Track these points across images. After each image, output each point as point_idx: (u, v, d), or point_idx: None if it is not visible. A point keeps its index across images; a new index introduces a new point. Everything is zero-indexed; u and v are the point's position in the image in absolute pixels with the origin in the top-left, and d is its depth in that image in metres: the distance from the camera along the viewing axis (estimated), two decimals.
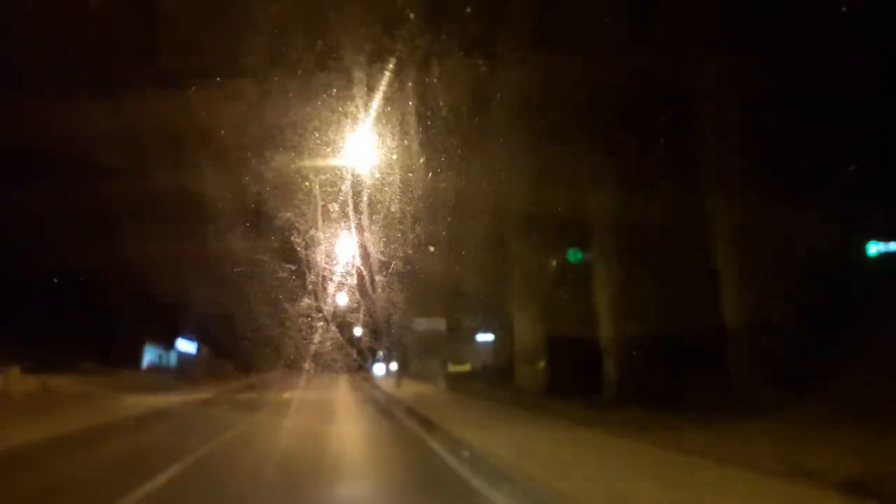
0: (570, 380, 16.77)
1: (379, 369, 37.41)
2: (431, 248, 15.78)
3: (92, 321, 22.59)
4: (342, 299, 18.28)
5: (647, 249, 13.75)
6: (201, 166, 13.38)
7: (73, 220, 18.07)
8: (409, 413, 14.30)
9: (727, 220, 11.98)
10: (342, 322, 20.90)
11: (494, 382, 20.76)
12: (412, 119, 10.47)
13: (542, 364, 18.11)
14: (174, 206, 16.64)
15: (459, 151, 13.82)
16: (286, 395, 20.13)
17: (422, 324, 21.51)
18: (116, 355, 24.34)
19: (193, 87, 10.86)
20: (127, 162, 15.03)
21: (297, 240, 12.16)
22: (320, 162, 10.89)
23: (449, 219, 15.40)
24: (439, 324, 21.84)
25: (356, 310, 19.79)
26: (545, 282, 18.33)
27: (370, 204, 11.77)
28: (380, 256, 14.00)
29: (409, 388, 21.88)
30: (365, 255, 14.18)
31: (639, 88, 12.10)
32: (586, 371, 16.15)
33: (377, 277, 15.46)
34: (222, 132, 11.31)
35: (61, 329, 21.13)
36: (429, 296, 21.24)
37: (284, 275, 14.14)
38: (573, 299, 17.37)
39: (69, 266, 20.98)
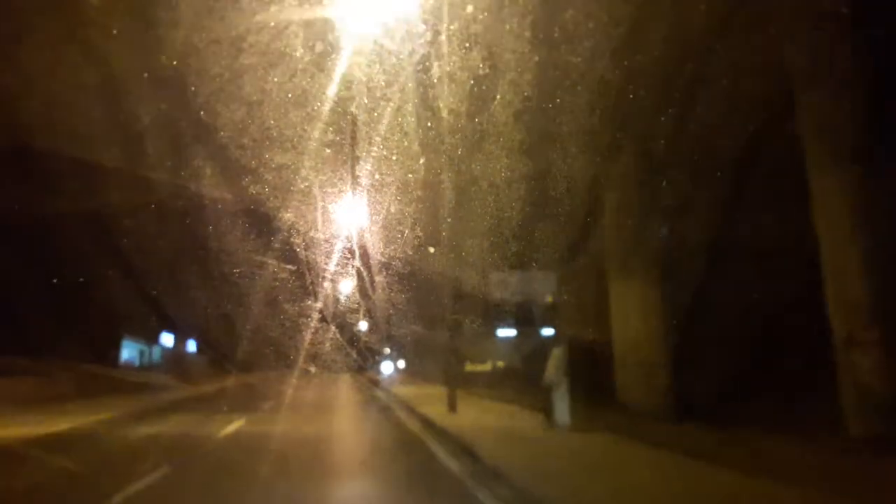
0: (725, 397, 9.80)
1: (387, 368, 31.15)
2: (431, 249, 13.94)
3: (32, 306, 18.63)
4: (344, 287, 16.51)
5: None
6: (198, 160, 12.90)
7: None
8: None
9: None
10: (342, 322, 18.72)
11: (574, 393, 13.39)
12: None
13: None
14: (161, 184, 15.02)
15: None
16: (234, 426, 11.38)
17: (513, 282, 11.59)
18: (75, 348, 20.59)
19: (192, 88, 10.07)
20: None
21: (297, 241, 11.83)
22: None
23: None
24: (543, 282, 11.78)
25: (356, 309, 17.63)
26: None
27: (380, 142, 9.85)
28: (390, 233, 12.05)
29: (472, 414, 12.22)
30: (365, 248, 12.90)
31: None
32: (765, 382, 9.38)
33: (377, 278, 14.00)
34: (221, 132, 10.44)
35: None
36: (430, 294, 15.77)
37: (284, 274, 13.68)
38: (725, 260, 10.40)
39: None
